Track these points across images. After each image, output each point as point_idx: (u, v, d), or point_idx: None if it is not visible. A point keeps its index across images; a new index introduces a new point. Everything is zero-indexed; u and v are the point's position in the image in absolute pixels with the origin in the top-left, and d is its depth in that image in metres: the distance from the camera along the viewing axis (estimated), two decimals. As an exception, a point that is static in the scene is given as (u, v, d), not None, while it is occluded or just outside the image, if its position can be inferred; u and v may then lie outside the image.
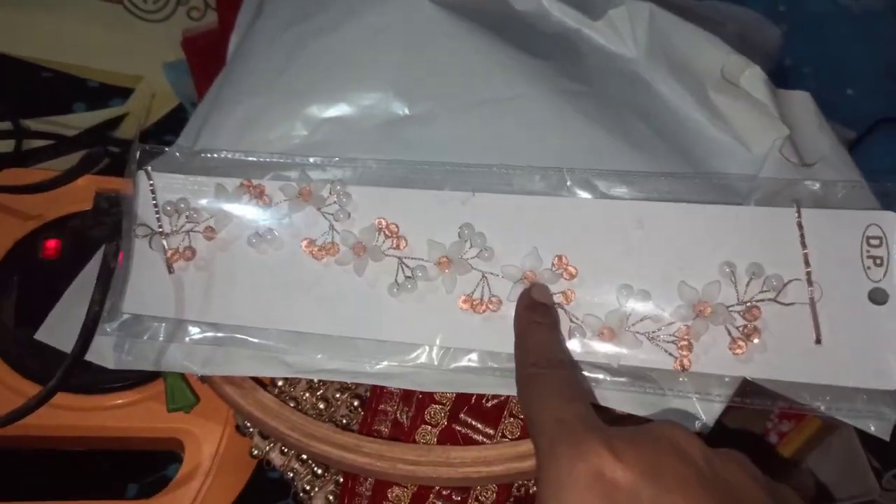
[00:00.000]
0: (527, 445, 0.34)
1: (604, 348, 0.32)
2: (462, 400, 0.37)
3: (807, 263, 0.31)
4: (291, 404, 0.38)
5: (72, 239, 0.46)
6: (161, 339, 0.36)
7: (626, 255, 0.33)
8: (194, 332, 0.36)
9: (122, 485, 0.45)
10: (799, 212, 0.31)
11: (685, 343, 0.31)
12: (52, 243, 0.46)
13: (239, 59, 0.41)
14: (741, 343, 0.31)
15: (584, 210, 0.34)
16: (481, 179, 0.35)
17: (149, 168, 0.37)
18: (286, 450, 0.40)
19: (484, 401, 0.37)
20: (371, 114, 0.38)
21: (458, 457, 0.34)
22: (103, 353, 0.36)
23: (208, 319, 0.36)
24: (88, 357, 0.35)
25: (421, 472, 0.34)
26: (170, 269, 0.36)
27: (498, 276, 0.33)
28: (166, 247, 0.36)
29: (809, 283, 0.31)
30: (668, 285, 0.32)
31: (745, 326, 0.31)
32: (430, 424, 0.37)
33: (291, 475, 0.40)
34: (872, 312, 0.30)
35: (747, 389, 0.31)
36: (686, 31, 0.37)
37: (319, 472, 0.39)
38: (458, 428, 0.36)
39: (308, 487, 0.39)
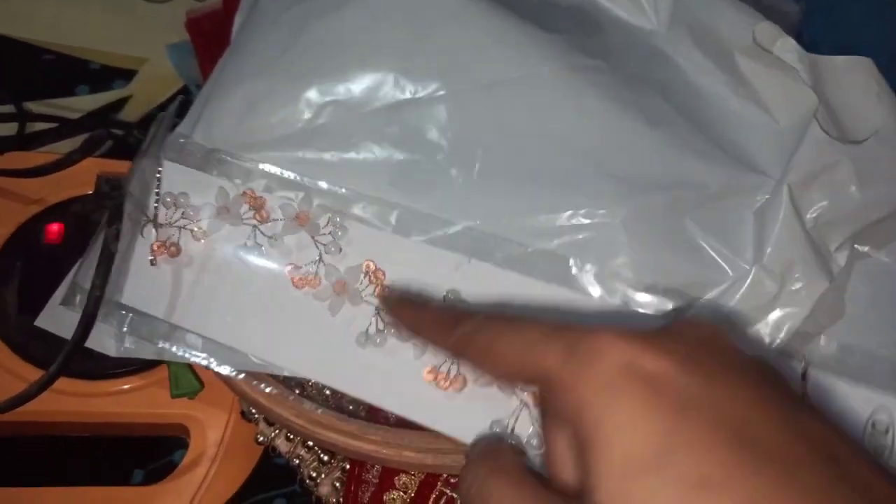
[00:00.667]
0: (536, 433, 0.33)
1: None
2: (470, 386, 0.36)
3: None
4: (297, 390, 0.37)
5: (74, 223, 0.46)
6: (158, 333, 0.35)
7: None
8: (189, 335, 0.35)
9: (128, 470, 0.45)
10: (805, 373, 0.28)
11: None
12: (54, 227, 0.46)
13: (241, 41, 0.40)
14: None
15: (580, 310, 0.30)
16: (482, 245, 0.32)
17: (161, 155, 0.36)
18: (292, 436, 0.39)
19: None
20: (375, 96, 0.36)
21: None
22: (104, 340, 0.36)
23: (179, 322, 0.34)
24: (89, 344, 0.34)
25: (429, 459, 0.34)
26: (152, 262, 0.35)
27: None
28: (155, 238, 0.35)
29: None
30: None
31: None
32: (437, 411, 0.36)
33: (297, 462, 0.39)
34: None
35: None
36: None
37: (326, 458, 0.39)
38: (466, 415, 0.36)
39: (314, 474, 0.39)
